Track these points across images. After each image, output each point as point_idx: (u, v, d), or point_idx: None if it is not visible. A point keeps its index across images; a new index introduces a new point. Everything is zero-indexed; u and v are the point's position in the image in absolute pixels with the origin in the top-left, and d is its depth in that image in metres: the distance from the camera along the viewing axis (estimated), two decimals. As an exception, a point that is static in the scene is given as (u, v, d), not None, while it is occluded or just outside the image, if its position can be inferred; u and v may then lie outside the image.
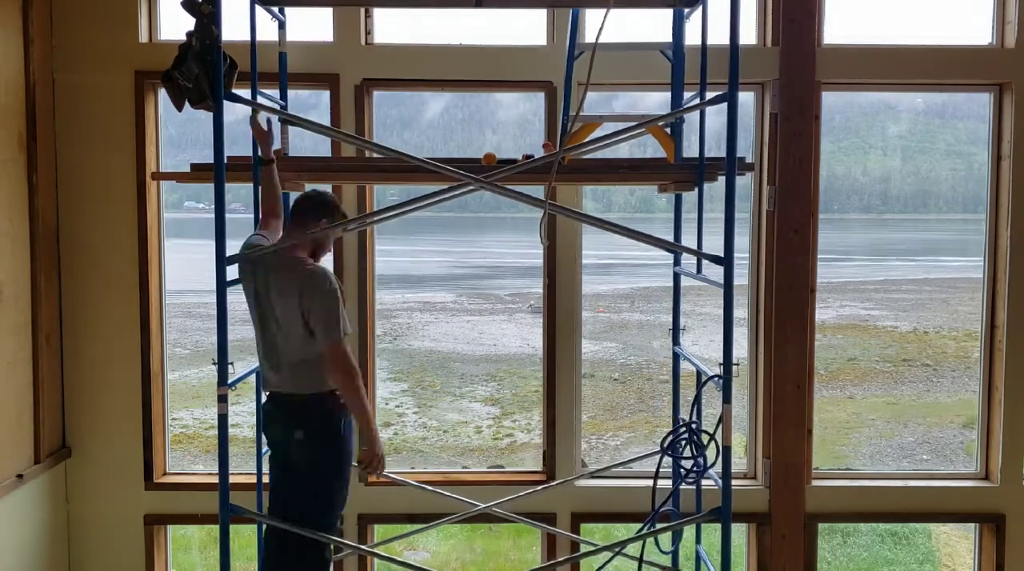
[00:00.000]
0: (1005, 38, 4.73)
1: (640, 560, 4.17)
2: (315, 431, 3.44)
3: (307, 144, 4.89)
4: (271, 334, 3.47)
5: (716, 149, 3.88)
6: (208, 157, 3.33)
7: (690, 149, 4.06)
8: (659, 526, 3.97)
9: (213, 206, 3.26)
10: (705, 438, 3.79)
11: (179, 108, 3.29)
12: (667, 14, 4.08)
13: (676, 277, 4.40)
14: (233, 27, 3.37)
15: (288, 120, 3.90)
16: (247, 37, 3.88)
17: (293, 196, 3.88)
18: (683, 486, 4.22)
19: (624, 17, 4.00)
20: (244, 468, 5.12)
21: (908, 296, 11.54)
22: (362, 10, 4.61)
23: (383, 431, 8.22)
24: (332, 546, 3.55)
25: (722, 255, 3.24)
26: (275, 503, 3.57)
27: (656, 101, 5.23)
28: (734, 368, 3.33)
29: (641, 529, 4.09)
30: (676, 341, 4.46)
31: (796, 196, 4.67)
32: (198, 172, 3.73)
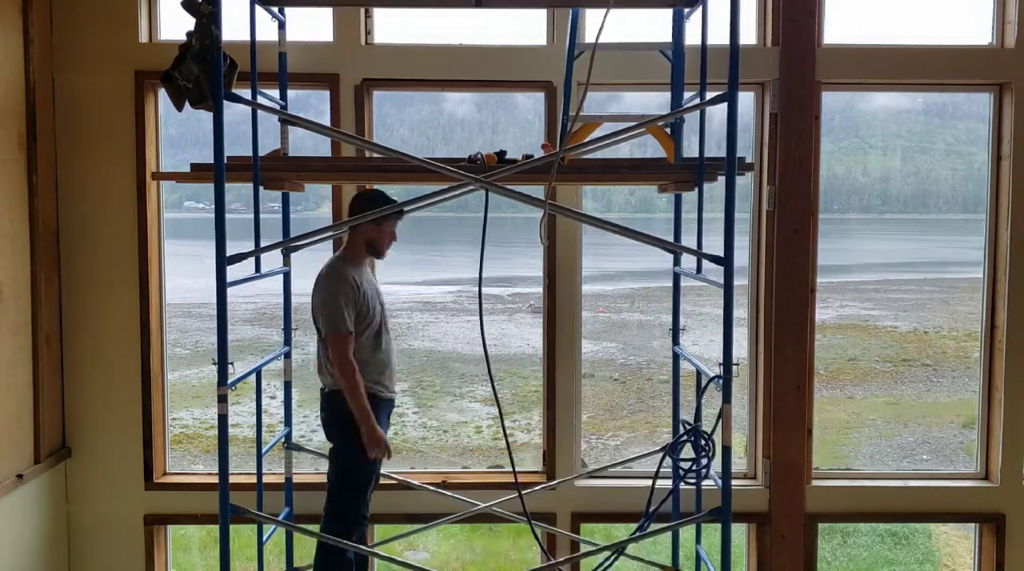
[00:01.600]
0: (1005, 38, 4.73)
1: (646, 561, 4.17)
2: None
3: (307, 144, 4.89)
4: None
5: (716, 149, 3.88)
6: (208, 157, 3.33)
7: (690, 149, 4.06)
8: (658, 526, 3.97)
9: (213, 206, 3.27)
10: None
11: (179, 108, 3.30)
12: (667, 14, 4.07)
13: (676, 277, 4.40)
14: (233, 27, 3.37)
15: (288, 120, 3.90)
16: (247, 37, 3.88)
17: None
18: (683, 486, 4.22)
19: (624, 17, 4.00)
20: (244, 468, 5.12)
21: (908, 296, 11.52)
22: (362, 10, 4.62)
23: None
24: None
25: (722, 255, 3.25)
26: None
27: (656, 101, 5.23)
28: (734, 368, 3.34)
29: (636, 530, 4.08)
30: (676, 341, 4.45)
31: (796, 196, 4.67)
32: (198, 172, 3.73)
